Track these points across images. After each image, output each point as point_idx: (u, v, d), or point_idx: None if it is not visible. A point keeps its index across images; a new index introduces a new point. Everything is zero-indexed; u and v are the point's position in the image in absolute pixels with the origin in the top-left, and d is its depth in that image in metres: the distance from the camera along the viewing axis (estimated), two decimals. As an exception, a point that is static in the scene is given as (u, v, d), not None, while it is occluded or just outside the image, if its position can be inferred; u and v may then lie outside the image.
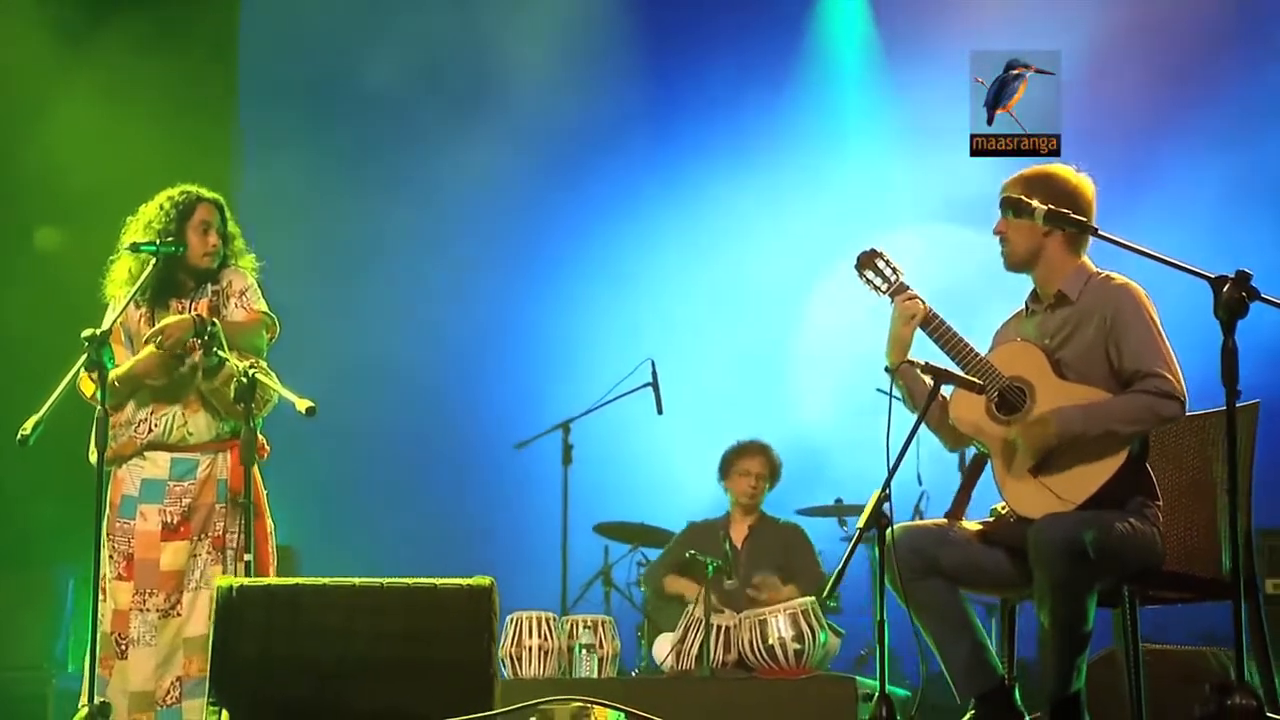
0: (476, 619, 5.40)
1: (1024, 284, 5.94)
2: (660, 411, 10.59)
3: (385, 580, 5.44)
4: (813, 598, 8.43)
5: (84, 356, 6.00)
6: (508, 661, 8.37)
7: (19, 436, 5.84)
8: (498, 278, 11.66)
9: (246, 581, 5.40)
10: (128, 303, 6.38)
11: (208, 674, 5.34)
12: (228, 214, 6.70)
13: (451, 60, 11.54)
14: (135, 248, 6.43)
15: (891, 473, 5.47)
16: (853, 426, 10.66)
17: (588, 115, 11.46)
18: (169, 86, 10.72)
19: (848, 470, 10.35)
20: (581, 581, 10.34)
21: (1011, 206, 5.54)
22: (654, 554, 10.30)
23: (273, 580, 5.40)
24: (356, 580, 5.43)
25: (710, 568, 8.24)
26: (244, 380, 6.03)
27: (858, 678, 7.96)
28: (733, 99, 11.61)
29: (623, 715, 5.21)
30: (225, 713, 5.21)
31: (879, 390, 9.79)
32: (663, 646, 8.50)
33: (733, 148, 11.56)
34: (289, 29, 11.53)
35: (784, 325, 11.50)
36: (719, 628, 8.29)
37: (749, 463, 9.27)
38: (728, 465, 9.35)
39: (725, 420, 10.77)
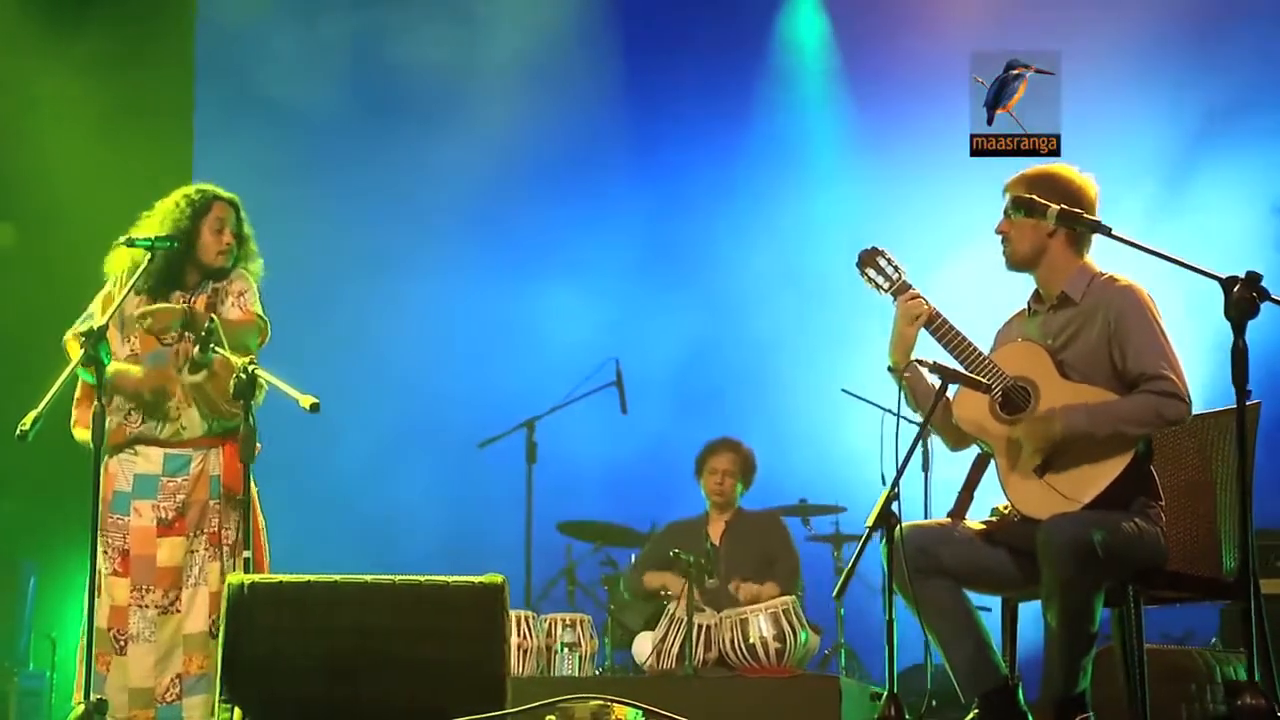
0: (488, 617, 5.39)
1: (1019, 286, 5.98)
2: (624, 411, 10.62)
3: (396, 577, 5.43)
4: (793, 596, 8.47)
5: (81, 352, 5.99)
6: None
7: (18, 432, 5.79)
8: (463, 279, 11.65)
9: (257, 578, 5.37)
10: (122, 299, 6.35)
11: (218, 671, 5.31)
12: (243, 215, 6.68)
13: (414, 70, 11.50)
14: (130, 242, 6.41)
15: (900, 471, 5.52)
16: (815, 427, 10.75)
17: (554, 118, 11.49)
18: (127, 99, 10.66)
19: (811, 470, 10.40)
20: (545, 579, 10.35)
21: (1023, 206, 5.52)
22: (617, 552, 10.34)
23: (283, 577, 5.35)
24: (368, 577, 5.42)
25: (692, 565, 8.24)
26: (243, 376, 6.00)
27: (841, 677, 8.01)
28: (704, 102, 11.69)
29: (640, 714, 5.20)
30: (238, 710, 5.18)
31: (844, 391, 9.92)
32: (643, 645, 8.51)
33: (703, 149, 11.62)
34: (247, 41, 11.46)
35: (751, 327, 11.51)
36: (699, 626, 8.30)
37: (718, 460, 9.29)
38: (700, 464, 9.38)
39: (690, 420, 10.85)
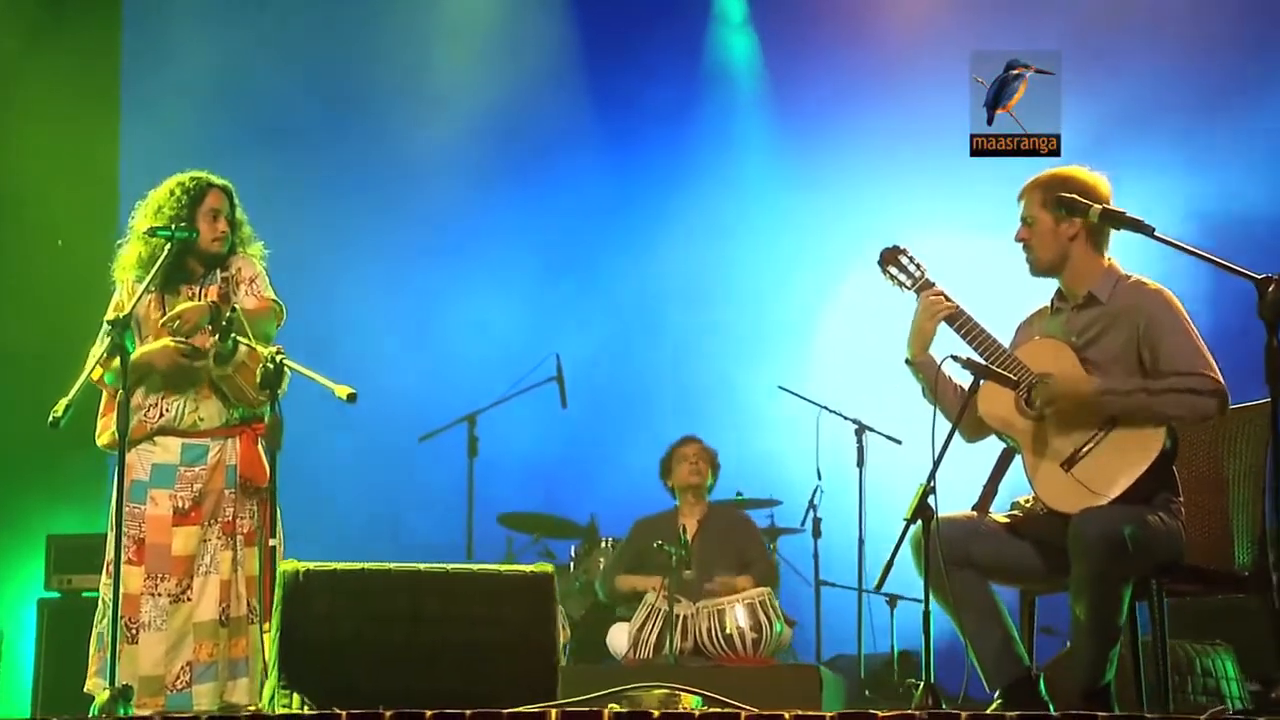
0: (540, 605, 5.49)
1: (1020, 284, 6.11)
2: (564, 405, 10.69)
3: (449, 565, 5.50)
4: (768, 588, 8.62)
5: (107, 341, 5.99)
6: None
7: (51, 419, 5.86)
8: (405, 272, 11.65)
9: (312, 566, 5.41)
10: (145, 287, 6.34)
11: (274, 657, 5.34)
12: (236, 201, 6.68)
13: (350, 61, 11.50)
14: (152, 232, 6.41)
15: (936, 464, 5.58)
16: (750, 423, 10.89)
17: (495, 112, 11.54)
18: (54, 86, 10.57)
19: (746, 465, 10.53)
20: (486, 572, 10.40)
21: (1065, 205, 5.65)
22: (556, 544, 10.43)
23: (338, 565, 5.40)
24: (421, 565, 5.48)
25: (674, 557, 8.36)
26: (270, 366, 6.03)
27: (822, 667, 8.17)
28: (657, 101, 11.81)
29: (700, 701, 5.31)
30: (296, 696, 5.23)
31: (781, 388, 10.09)
32: (619, 635, 8.61)
33: (652, 146, 11.73)
34: (174, 19, 11.40)
35: (692, 326, 11.64)
36: (676, 616, 8.41)
37: (688, 448, 9.45)
38: (668, 461, 9.52)
39: (631, 416, 10.98)
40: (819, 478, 10.01)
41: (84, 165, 10.75)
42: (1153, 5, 10.82)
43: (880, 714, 4.65)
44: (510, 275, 11.64)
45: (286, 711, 5.20)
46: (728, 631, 8.37)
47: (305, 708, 5.21)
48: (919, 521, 5.55)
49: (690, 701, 5.29)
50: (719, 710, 4.96)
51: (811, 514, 9.99)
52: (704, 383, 11.43)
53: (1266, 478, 5.73)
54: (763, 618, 8.39)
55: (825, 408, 10.11)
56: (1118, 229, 5.65)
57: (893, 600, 9.68)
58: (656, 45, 11.89)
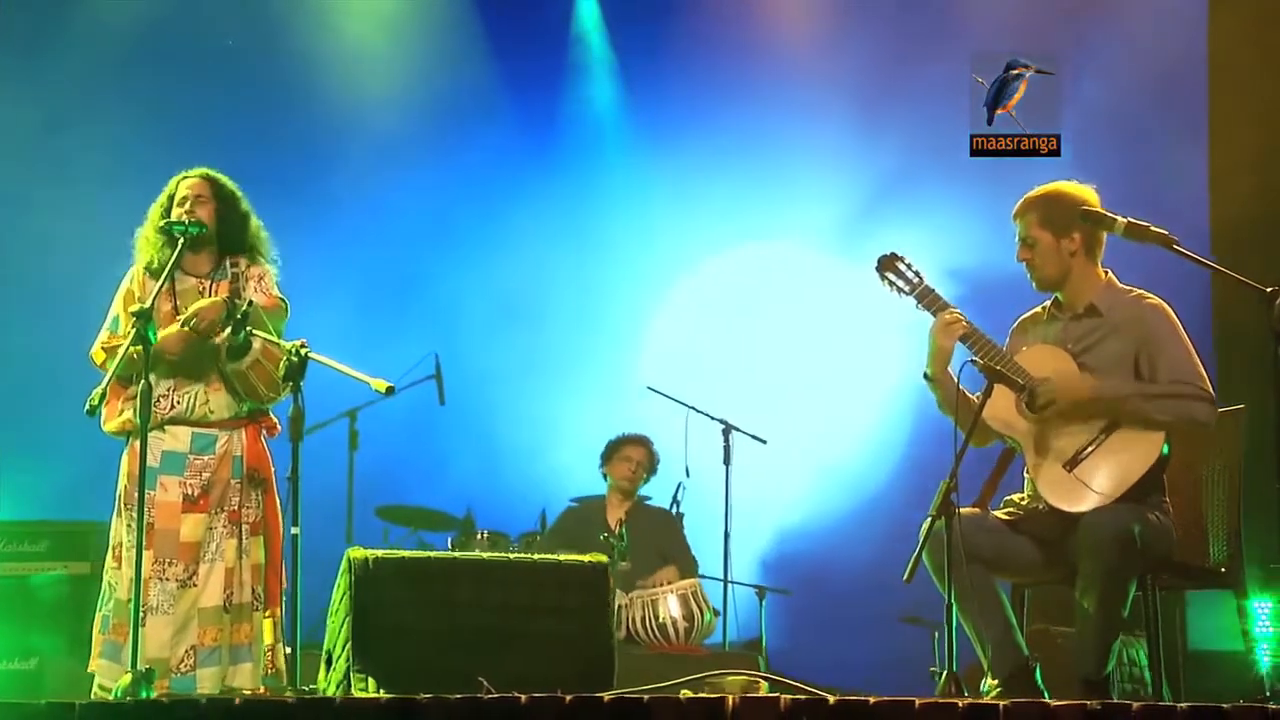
0: (598, 594, 5.67)
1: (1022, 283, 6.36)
2: (442, 403, 10.79)
3: (511, 555, 5.66)
4: (697, 580, 8.90)
5: (133, 332, 6.04)
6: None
7: (87, 407, 6.01)
8: (290, 271, 11.54)
9: (380, 553, 5.53)
10: (164, 281, 6.39)
11: (350, 641, 5.44)
12: (234, 192, 6.76)
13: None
14: (169, 227, 6.45)
15: (957, 460, 5.81)
16: (621, 423, 11.07)
17: (378, 109, 11.58)
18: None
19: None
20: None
21: (1092, 219, 5.97)
22: (433, 536, 10.53)
23: (404, 553, 5.53)
24: (484, 554, 5.63)
25: (615, 549, 8.57)
26: (295, 359, 6.13)
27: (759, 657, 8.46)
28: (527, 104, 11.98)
29: (767, 687, 5.52)
30: (372, 681, 5.34)
31: (650, 389, 10.34)
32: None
33: (530, 150, 11.90)
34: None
35: (562, 326, 11.80)
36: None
37: (632, 450, 9.74)
38: (611, 451, 9.82)
39: (504, 413, 11.13)
40: (686, 475, 10.24)
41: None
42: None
43: (872, 699, 4.83)
44: (396, 275, 11.61)
45: (365, 695, 5.30)
46: (661, 620, 8.65)
47: (380, 692, 5.32)
48: (940, 517, 5.79)
49: (764, 689, 5.49)
50: (800, 696, 5.10)
51: (675, 509, 10.22)
52: (576, 382, 11.59)
53: (1239, 479, 6.19)
54: (694, 607, 8.69)
55: (693, 408, 10.35)
56: (1142, 241, 5.88)
57: (761, 591, 9.99)
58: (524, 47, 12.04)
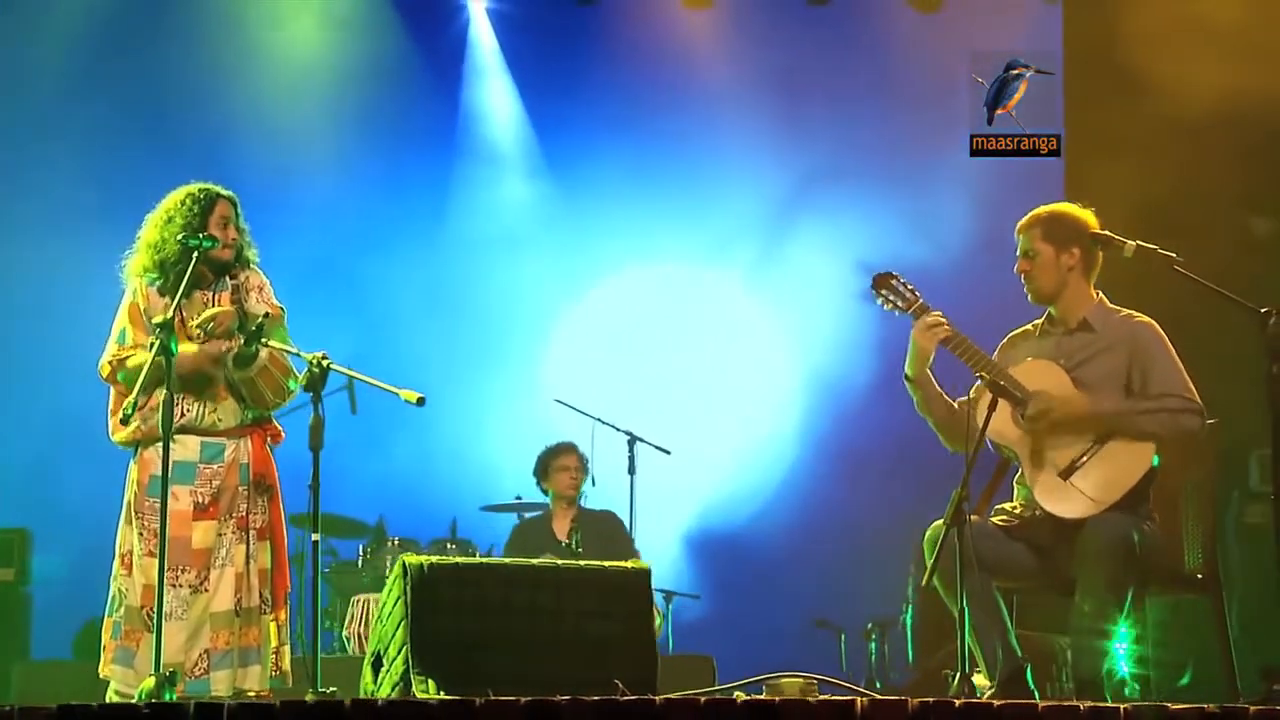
0: (641, 598, 5.84)
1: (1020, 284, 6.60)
2: (354, 411, 10.82)
3: (560, 561, 5.80)
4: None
5: (157, 343, 6.12)
6: (353, 639, 8.61)
7: (121, 416, 6.23)
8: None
9: (435, 560, 5.65)
10: (180, 295, 6.41)
11: (408, 644, 5.54)
12: (239, 209, 6.82)
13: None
14: (185, 242, 6.47)
15: (968, 469, 6.01)
16: (530, 434, 11.22)
17: (316, 111, 11.66)
18: None
19: (525, 472, 10.85)
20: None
21: (1101, 241, 6.30)
22: (341, 543, 10.59)
23: (458, 559, 5.66)
24: (535, 560, 5.77)
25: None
26: (317, 369, 6.22)
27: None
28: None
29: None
30: (432, 682, 5.46)
31: (557, 401, 10.51)
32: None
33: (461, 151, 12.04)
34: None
35: (478, 332, 11.92)
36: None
37: (566, 458, 9.91)
38: (545, 466, 9.94)
39: (415, 421, 11.19)
40: (592, 484, 10.40)
41: None
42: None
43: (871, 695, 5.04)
44: (318, 278, 11.57)
45: (425, 696, 5.42)
46: (612, 622, 8.76)
47: (441, 693, 5.43)
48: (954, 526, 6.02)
49: (816, 689, 5.63)
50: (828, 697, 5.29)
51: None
52: (484, 394, 11.71)
53: (1213, 489, 6.57)
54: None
55: (599, 419, 10.52)
56: (1148, 262, 6.19)
57: (669, 596, 10.20)
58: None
